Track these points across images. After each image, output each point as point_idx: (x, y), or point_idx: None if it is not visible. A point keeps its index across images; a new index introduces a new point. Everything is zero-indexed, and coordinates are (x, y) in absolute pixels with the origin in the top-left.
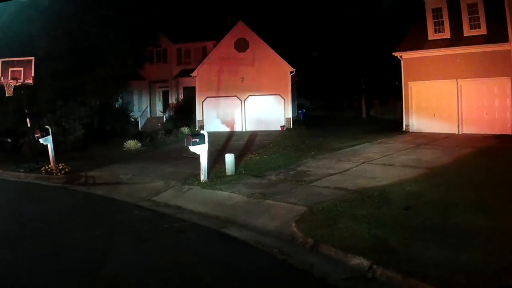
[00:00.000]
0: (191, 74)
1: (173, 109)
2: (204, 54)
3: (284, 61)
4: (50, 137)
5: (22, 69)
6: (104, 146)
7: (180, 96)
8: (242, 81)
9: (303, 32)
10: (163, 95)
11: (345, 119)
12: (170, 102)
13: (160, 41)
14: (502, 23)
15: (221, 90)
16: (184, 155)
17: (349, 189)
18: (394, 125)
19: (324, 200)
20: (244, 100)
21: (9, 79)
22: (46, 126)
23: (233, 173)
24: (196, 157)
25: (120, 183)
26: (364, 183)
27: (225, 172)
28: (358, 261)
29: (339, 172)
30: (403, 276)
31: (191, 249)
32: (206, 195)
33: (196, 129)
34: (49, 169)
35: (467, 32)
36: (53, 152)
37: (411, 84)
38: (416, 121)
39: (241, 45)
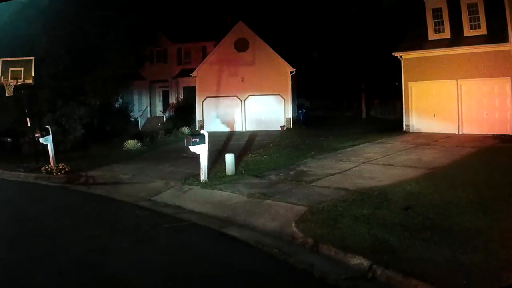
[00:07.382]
0: (191, 74)
1: (173, 109)
2: (204, 54)
3: (284, 61)
4: (50, 137)
5: (22, 69)
6: (104, 146)
7: (180, 96)
8: (242, 81)
9: (303, 32)
10: (163, 95)
11: (345, 119)
12: (170, 102)
13: (160, 41)
14: (502, 23)
15: (221, 90)
16: (184, 155)
17: (349, 189)
18: (394, 125)
19: (324, 200)
20: (244, 100)
21: (9, 79)
22: (46, 126)
23: (233, 173)
24: (196, 157)
25: (120, 183)
26: (364, 183)
27: (225, 172)
28: (358, 261)
29: (339, 172)
30: (403, 276)
31: (191, 249)
32: (206, 195)
33: (196, 129)
34: (49, 169)
35: (467, 32)
36: (53, 152)
37: (411, 84)
38: (416, 121)
39: (241, 45)
